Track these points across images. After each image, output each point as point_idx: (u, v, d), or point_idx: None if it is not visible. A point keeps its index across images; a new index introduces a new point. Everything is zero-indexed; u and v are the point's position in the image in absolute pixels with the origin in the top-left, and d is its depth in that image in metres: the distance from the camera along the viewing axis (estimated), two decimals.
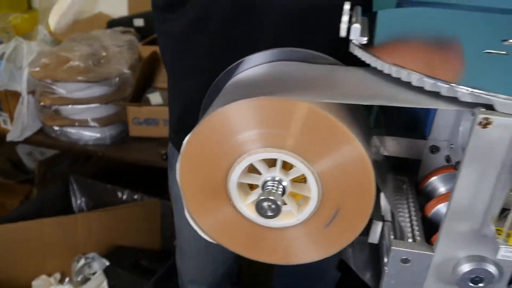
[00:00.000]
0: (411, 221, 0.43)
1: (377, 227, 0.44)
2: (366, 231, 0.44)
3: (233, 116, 0.38)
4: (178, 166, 0.41)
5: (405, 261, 0.39)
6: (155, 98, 1.02)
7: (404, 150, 0.47)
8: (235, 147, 0.39)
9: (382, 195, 0.46)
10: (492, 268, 0.37)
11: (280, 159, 0.38)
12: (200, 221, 0.42)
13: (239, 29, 0.59)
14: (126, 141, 1.16)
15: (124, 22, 1.42)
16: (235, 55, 0.47)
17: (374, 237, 0.44)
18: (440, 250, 0.38)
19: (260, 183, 0.39)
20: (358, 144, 0.37)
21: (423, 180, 0.46)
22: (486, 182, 0.34)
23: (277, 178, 0.39)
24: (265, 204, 0.37)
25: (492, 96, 0.32)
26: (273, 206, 0.37)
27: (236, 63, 0.48)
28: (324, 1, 0.58)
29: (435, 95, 0.34)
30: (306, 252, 0.42)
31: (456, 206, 0.35)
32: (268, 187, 0.39)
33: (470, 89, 0.33)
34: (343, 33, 0.42)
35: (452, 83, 0.33)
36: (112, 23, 1.49)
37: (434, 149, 0.46)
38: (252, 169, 0.40)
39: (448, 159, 0.46)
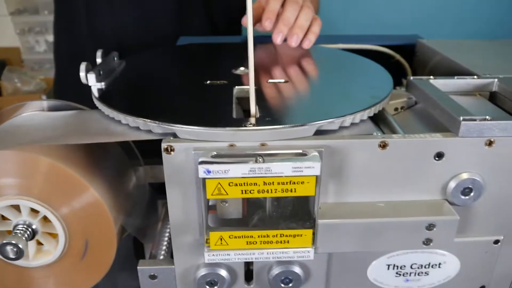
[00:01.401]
0: (169, 239, 0.48)
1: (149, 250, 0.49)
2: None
3: None
4: None
5: (153, 277, 0.43)
6: None
7: None
8: None
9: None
10: (223, 272, 0.42)
11: (24, 205, 0.42)
12: None
13: None
14: None
15: None
16: None
17: None
18: (178, 262, 0.42)
19: (12, 228, 0.42)
20: (93, 191, 0.42)
21: None
22: (189, 198, 0.39)
23: (27, 222, 0.42)
24: (8, 247, 0.40)
25: (173, 126, 0.38)
26: (15, 249, 0.40)
27: (16, 105, 0.51)
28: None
29: (139, 129, 0.40)
30: (75, 283, 0.46)
31: (175, 222, 0.40)
32: (16, 231, 0.42)
33: (158, 122, 0.38)
34: (83, 80, 0.47)
35: (146, 119, 0.39)
36: None
37: None
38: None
39: None
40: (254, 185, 0.36)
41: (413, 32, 0.71)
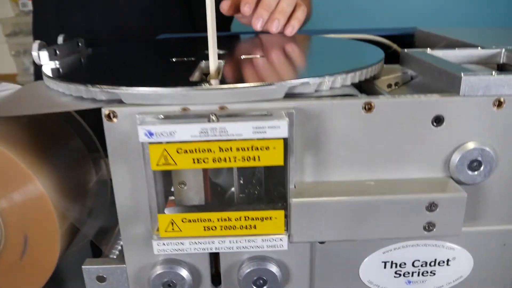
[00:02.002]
0: None
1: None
2: None
3: None
4: None
5: (101, 279, 0.36)
6: None
7: None
8: None
9: None
10: (184, 272, 0.35)
11: None
12: None
13: None
14: None
15: None
16: None
17: None
18: (129, 259, 0.36)
19: None
20: (38, 183, 0.37)
21: None
22: (137, 177, 0.33)
23: None
24: None
25: (117, 89, 0.32)
26: None
27: None
28: None
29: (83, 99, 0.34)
30: (19, 284, 0.39)
31: (122, 208, 0.34)
32: None
33: (100, 87, 0.33)
34: (36, 60, 0.42)
35: (88, 85, 0.33)
36: None
37: None
38: None
39: None
40: (208, 151, 0.30)
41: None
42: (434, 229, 0.32)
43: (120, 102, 0.32)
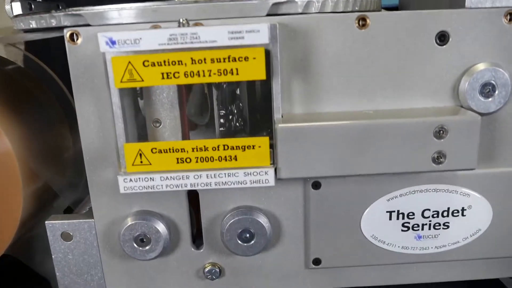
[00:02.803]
0: None
1: None
2: None
3: None
4: None
5: (67, 237, 0.32)
6: None
7: None
8: None
9: None
10: (160, 226, 0.31)
11: None
12: None
13: None
14: None
15: None
16: None
17: None
18: (98, 212, 0.31)
19: None
20: (5, 138, 0.34)
21: None
22: (105, 109, 0.29)
23: None
24: None
25: (81, 10, 0.29)
26: None
27: None
28: None
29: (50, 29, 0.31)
30: None
31: (89, 150, 0.30)
32: None
33: (64, 10, 0.30)
34: (9, 14, 0.40)
35: (53, 10, 0.30)
36: None
37: None
38: None
39: None
40: (179, 64, 0.26)
41: None
42: (445, 161, 0.28)
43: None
